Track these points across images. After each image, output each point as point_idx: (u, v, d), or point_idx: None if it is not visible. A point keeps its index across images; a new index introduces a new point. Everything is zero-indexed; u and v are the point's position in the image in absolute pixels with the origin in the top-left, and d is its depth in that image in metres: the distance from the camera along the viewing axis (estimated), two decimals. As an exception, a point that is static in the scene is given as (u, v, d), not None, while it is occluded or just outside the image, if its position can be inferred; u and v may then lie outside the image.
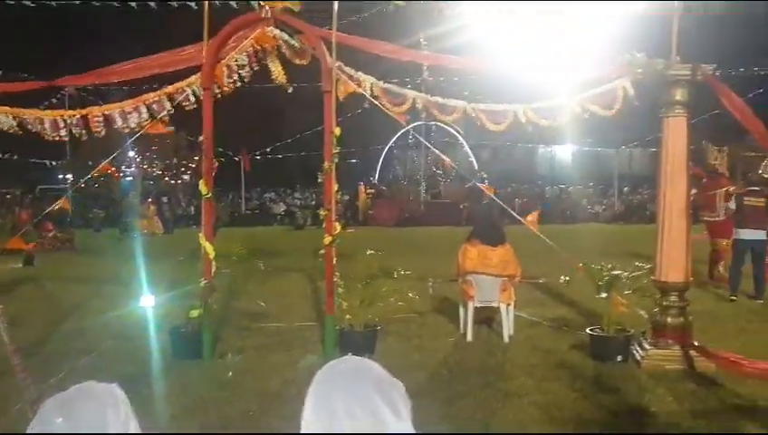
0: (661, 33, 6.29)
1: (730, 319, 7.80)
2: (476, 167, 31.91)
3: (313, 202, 30.08)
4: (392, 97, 6.60)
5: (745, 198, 9.15)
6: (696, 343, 5.79)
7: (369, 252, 6.91)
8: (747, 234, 8.94)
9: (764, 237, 9.00)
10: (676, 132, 5.95)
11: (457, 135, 31.48)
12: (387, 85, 6.63)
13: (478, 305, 6.95)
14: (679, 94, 5.87)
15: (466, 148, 32.74)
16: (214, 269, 6.47)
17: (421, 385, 5.27)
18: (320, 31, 6.41)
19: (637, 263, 6.45)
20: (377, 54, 6.67)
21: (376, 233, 21.10)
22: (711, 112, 17.58)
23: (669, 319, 5.88)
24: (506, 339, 6.76)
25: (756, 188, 9.22)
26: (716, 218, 10.53)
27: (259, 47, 6.68)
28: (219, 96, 6.70)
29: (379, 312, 7.32)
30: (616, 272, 6.29)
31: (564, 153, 40.52)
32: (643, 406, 4.76)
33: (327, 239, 6.20)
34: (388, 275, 8.93)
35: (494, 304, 6.96)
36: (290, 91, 7.14)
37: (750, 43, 27.92)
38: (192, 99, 6.69)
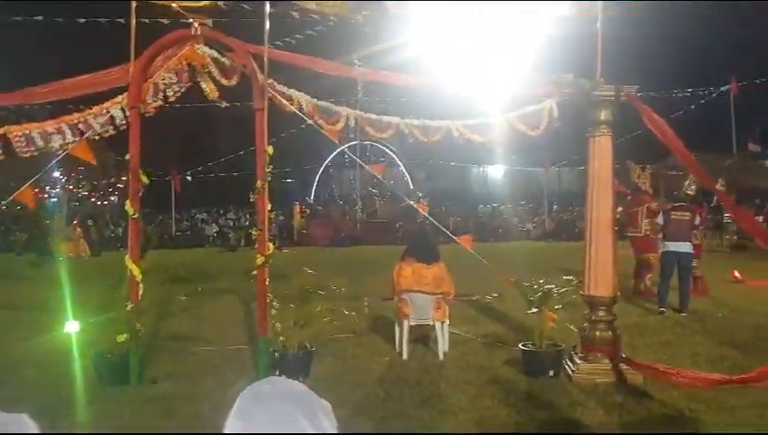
0: (586, 55, 6.51)
1: (656, 332, 8.05)
2: (412, 186, 32.24)
3: (247, 223, 29.66)
4: (326, 115, 6.58)
5: (672, 213, 9.56)
6: (624, 356, 5.94)
7: (306, 270, 6.83)
8: (674, 246, 9.38)
9: (690, 250, 9.48)
10: (601, 151, 6.14)
11: (393, 155, 31.77)
12: (320, 103, 6.60)
13: (413, 324, 6.96)
14: (604, 114, 6.07)
15: (402, 167, 33.05)
16: (141, 292, 6.27)
17: (357, 405, 5.23)
18: (250, 47, 6.34)
19: (565, 277, 6.59)
20: (311, 71, 6.63)
21: (311, 253, 20.98)
22: (634, 133, 18.38)
23: (598, 333, 6.02)
24: (441, 356, 6.78)
25: (682, 204, 9.68)
26: (638, 234, 10.99)
27: (188, 65, 6.57)
28: (148, 115, 6.54)
29: (314, 333, 7.24)
30: (547, 287, 6.41)
31: (496, 173, 41.47)
32: (574, 419, 4.84)
33: (259, 260, 6.09)
34: (322, 294, 8.88)
35: (429, 322, 6.98)
36: (223, 105, 7.01)
37: (671, 67, 29.30)
38: (119, 118, 6.51)
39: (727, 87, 26.02)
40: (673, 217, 9.53)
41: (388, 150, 31.28)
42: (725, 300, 10.49)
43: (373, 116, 6.80)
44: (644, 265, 11.07)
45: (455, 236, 7.52)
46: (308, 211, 29.81)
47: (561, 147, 26.02)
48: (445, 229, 8.30)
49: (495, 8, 7.60)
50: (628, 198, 11.53)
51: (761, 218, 29.57)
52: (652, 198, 11.60)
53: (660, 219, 9.91)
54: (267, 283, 6.15)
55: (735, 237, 22.94)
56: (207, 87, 6.66)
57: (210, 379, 6.15)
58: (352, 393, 5.55)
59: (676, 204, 9.80)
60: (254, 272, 6.16)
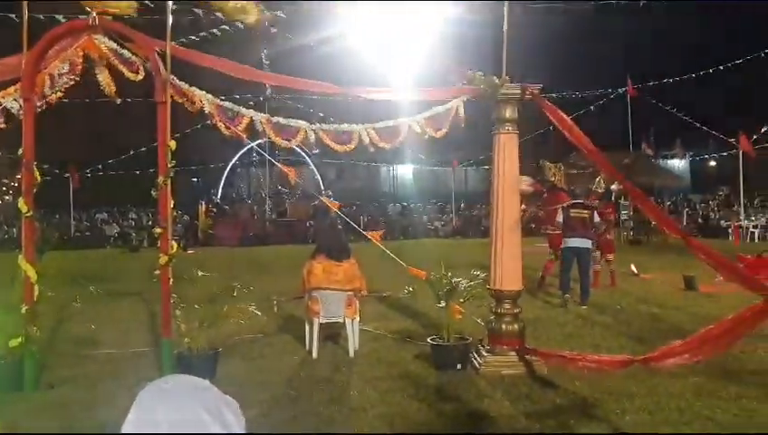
0: (492, 55, 6.65)
1: (559, 325, 8.33)
2: (322, 185, 32.09)
3: (150, 222, 28.61)
4: (228, 116, 6.35)
5: (572, 210, 9.90)
6: (529, 347, 6.11)
7: (200, 273, 6.62)
8: (574, 242, 9.73)
9: (590, 246, 9.86)
10: (507, 149, 6.28)
11: (303, 154, 31.48)
12: (223, 102, 6.39)
13: (324, 322, 6.90)
14: (509, 112, 6.21)
15: (312, 166, 32.83)
16: (36, 294, 5.91)
17: (266, 405, 5.13)
18: (153, 42, 6.08)
19: (473, 272, 6.71)
20: (215, 71, 6.41)
21: (218, 253, 20.50)
22: (537, 132, 19.03)
23: (504, 326, 6.16)
24: (351, 354, 6.75)
25: (581, 201, 10.03)
26: (557, 231, 11.35)
27: (84, 56, 6.23)
28: (45, 108, 6.18)
29: (221, 333, 7.05)
30: (455, 280, 6.50)
31: (406, 172, 41.95)
32: (482, 411, 4.92)
33: (162, 259, 5.86)
34: (230, 295, 8.66)
35: (340, 320, 6.94)
36: (118, 102, 6.68)
37: (572, 68, 30.50)
38: (14, 110, 6.09)
39: (624, 89, 27.31)
40: (572, 214, 9.86)
41: (298, 149, 31.02)
42: (623, 292, 11.03)
43: (281, 120, 6.63)
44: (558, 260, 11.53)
45: (365, 231, 7.51)
46: (214, 211, 29.09)
47: (468, 146, 26.66)
48: (356, 226, 8.29)
49: (402, 9, 7.67)
50: (545, 195, 11.89)
51: (653, 215, 31.23)
52: (568, 196, 12.02)
53: (560, 216, 10.24)
54: (171, 283, 5.93)
55: (632, 233, 24.15)
56: (104, 80, 6.34)
57: (110, 383, 5.87)
58: (260, 393, 5.43)
59: (575, 201, 10.10)
60: (157, 272, 5.93)
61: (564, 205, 11.54)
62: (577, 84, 27.26)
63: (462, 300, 6.60)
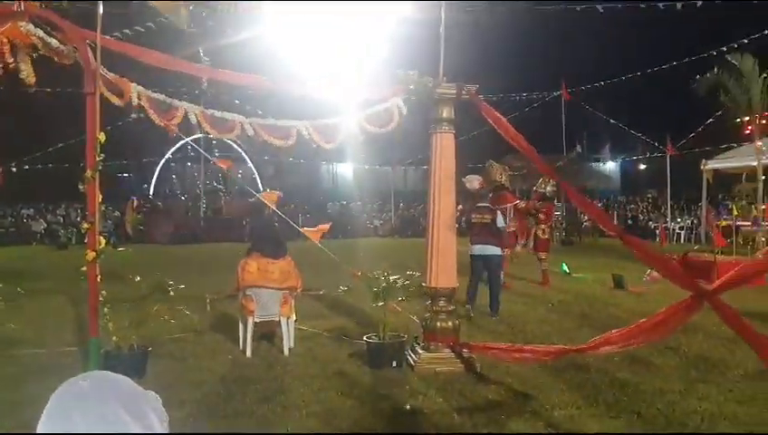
0: (430, 56, 6.67)
1: (492, 322, 8.49)
2: (260, 183, 31.67)
3: (78, 218, 27.63)
4: (161, 108, 6.18)
5: (473, 215, 9.12)
6: (464, 342, 6.18)
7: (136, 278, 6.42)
8: (478, 249, 8.99)
9: (497, 252, 9.10)
10: (443, 148, 6.34)
11: (240, 150, 31.00)
12: (155, 95, 6.20)
13: (258, 320, 6.80)
14: (446, 112, 6.27)
15: (250, 163, 32.37)
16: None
17: (196, 405, 5.02)
18: (83, 32, 5.86)
19: (408, 272, 6.73)
20: (147, 63, 6.22)
21: (150, 251, 20.00)
22: (473, 133, 19.27)
23: (439, 323, 6.21)
24: (286, 352, 6.67)
25: (483, 205, 9.27)
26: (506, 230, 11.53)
27: (9, 43, 5.95)
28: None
29: (152, 332, 6.89)
30: (391, 279, 6.52)
31: (346, 170, 41.88)
32: (415, 408, 4.94)
33: (90, 255, 5.66)
34: (161, 293, 8.45)
35: (275, 318, 6.85)
36: (32, 90, 6.36)
37: (509, 71, 31.06)
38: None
39: (558, 92, 27.95)
40: (473, 219, 9.07)
41: (235, 145, 30.49)
42: (554, 290, 11.30)
43: (217, 114, 6.49)
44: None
45: (303, 227, 7.43)
46: (147, 207, 28.33)
47: (407, 146, 26.78)
48: (293, 223, 8.21)
49: (340, 9, 7.62)
50: (490, 195, 12.04)
51: (586, 216, 32.20)
52: (513, 196, 12.25)
53: (463, 222, 10.14)
54: (99, 280, 5.73)
55: (564, 234, 24.78)
56: (26, 69, 6.06)
57: (34, 383, 5.60)
58: (192, 393, 5.31)
59: (479, 205, 9.28)
60: (84, 269, 5.72)
61: (513, 205, 11.79)
62: (513, 87, 27.75)
63: (399, 298, 6.63)
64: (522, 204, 12.08)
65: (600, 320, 8.58)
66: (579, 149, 29.61)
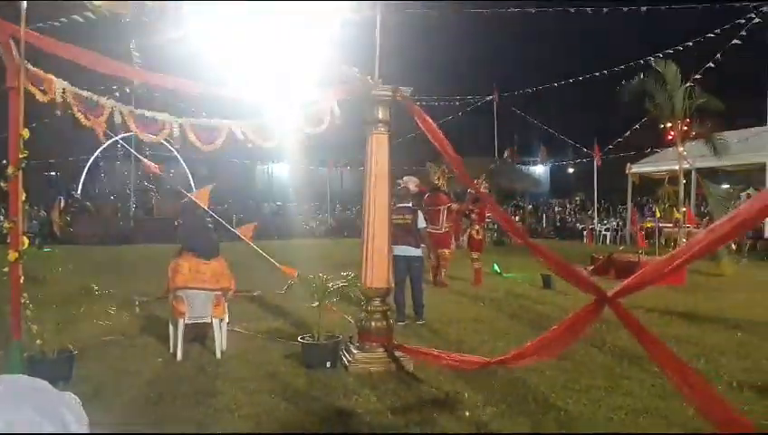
0: (366, 58, 6.71)
1: (426, 323, 8.56)
2: (192, 183, 31.01)
3: (1, 217, 26.46)
4: (88, 106, 5.98)
5: (393, 216, 8.41)
6: (397, 344, 6.23)
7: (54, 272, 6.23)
8: (401, 250, 8.60)
9: (418, 253, 8.95)
10: (379, 148, 6.38)
11: (172, 149, 30.26)
12: (82, 92, 6.00)
13: (189, 322, 6.68)
14: (382, 113, 6.31)
15: (182, 162, 31.64)
16: None
17: (125, 409, 4.90)
18: (6, 24, 5.61)
19: (343, 273, 6.75)
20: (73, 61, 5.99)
21: (78, 252, 19.34)
22: (409, 135, 19.44)
23: (374, 323, 6.25)
24: (219, 355, 6.58)
25: (403, 205, 9.04)
26: (439, 231, 11.68)
27: None
28: None
29: (79, 335, 6.69)
30: (327, 280, 6.52)
31: (281, 171, 41.52)
32: (349, 408, 4.96)
33: (12, 256, 5.44)
34: (88, 295, 8.20)
35: (207, 320, 6.74)
36: None
37: (445, 75, 31.47)
38: None
39: (491, 97, 28.51)
40: (394, 220, 8.39)
41: (167, 144, 29.77)
42: (486, 289, 11.54)
43: (147, 113, 6.32)
44: (440, 258, 11.88)
45: (236, 227, 7.35)
46: (75, 207, 27.35)
47: (343, 147, 26.78)
48: (225, 223, 8.10)
49: (277, 8, 7.57)
50: (426, 196, 12.16)
51: (517, 217, 33.00)
52: (449, 198, 12.42)
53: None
54: (22, 282, 5.52)
55: (496, 235, 25.27)
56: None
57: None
58: (120, 397, 5.18)
59: (399, 205, 8.95)
60: (6, 270, 5.50)
61: (448, 207, 11.98)
62: (448, 91, 28.16)
63: (334, 299, 6.64)
64: (455, 206, 12.31)
65: (529, 318, 8.83)
66: (510, 152, 30.24)
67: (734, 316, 8.92)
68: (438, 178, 12.22)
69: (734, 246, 17.91)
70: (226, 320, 6.95)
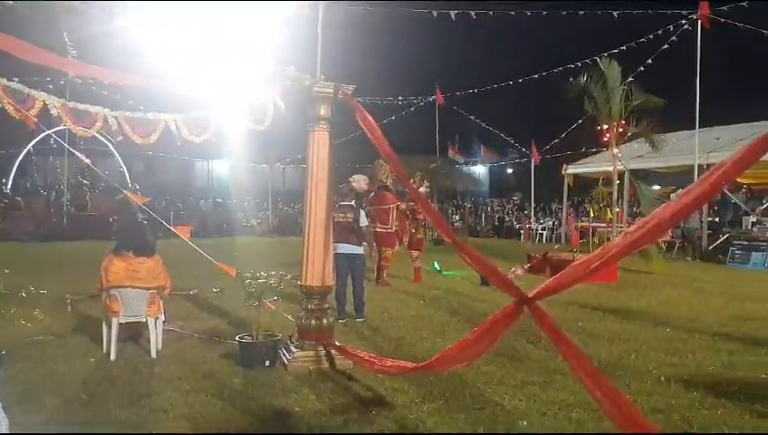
0: (309, 55, 6.67)
1: (366, 321, 8.59)
2: (129, 179, 30.19)
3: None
4: (17, 98, 5.75)
5: (335, 215, 8.35)
6: (337, 344, 6.22)
7: None
8: (342, 248, 8.66)
9: (360, 251, 8.98)
10: (320, 146, 6.35)
11: (107, 143, 29.40)
12: (11, 84, 5.77)
13: (123, 321, 6.52)
14: (323, 110, 6.27)
15: (118, 158, 30.76)
16: None
17: (55, 410, 4.75)
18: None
19: (282, 272, 6.71)
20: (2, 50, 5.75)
21: (9, 249, 18.63)
22: (353, 134, 19.43)
23: (313, 322, 6.23)
24: (154, 355, 6.43)
25: (345, 204, 9.01)
26: (388, 230, 11.68)
27: None
28: None
29: (8, 335, 6.47)
30: (266, 279, 6.46)
31: (221, 167, 40.88)
32: (287, 407, 4.93)
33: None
34: (17, 293, 7.91)
35: (142, 319, 6.60)
36: None
37: (388, 74, 31.58)
38: None
39: (433, 97, 28.76)
40: (336, 218, 8.41)
41: (102, 138, 28.87)
42: (426, 287, 11.66)
43: (80, 106, 6.12)
44: (383, 258, 11.90)
45: (173, 226, 7.20)
46: (5, 203, 26.27)
47: (285, 144, 26.58)
48: (162, 220, 7.91)
49: (218, 3, 7.45)
50: (372, 194, 12.14)
51: (458, 216, 33.41)
52: (396, 197, 12.42)
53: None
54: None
55: (437, 234, 25.53)
56: None
57: None
58: (50, 398, 5.01)
59: (341, 203, 8.91)
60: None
61: (397, 206, 12.01)
62: (391, 91, 28.28)
63: (273, 298, 6.59)
64: (402, 205, 12.35)
65: (467, 315, 8.96)
66: (452, 152, 30.62)
67: (664, 313, 9.26)
68: (385, 177, 12.24)
69: (664, 246, 18.66)
70: (162, 319, 6.82)
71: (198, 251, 6.81)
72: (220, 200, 34.75)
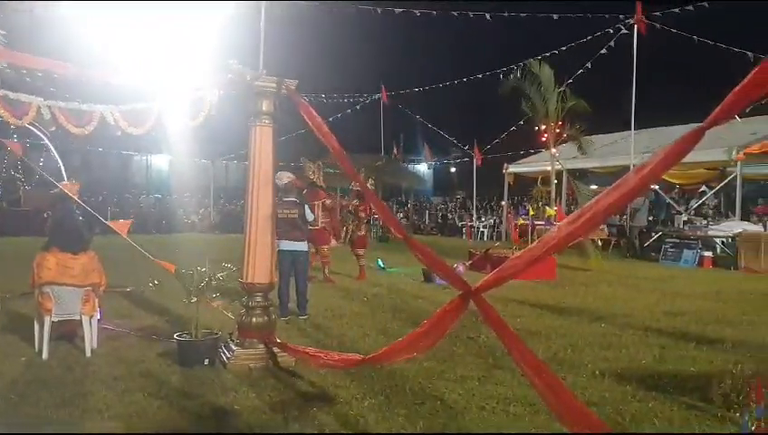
0: (251, 49, 6.59)
1: (311, 317, 8.56)
2: (64, 173, 29.22)
3: None
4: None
5: (279, 211, 8.22)
6: (278, 341, 6.18)
7: None
8: (286, 245, 8.63)
9: (304, 248, 8.96)
10: (262, 141, 6.27)
11: (42, 136, 28.36)
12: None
13: (56, 319, 6.32)
14: (266, 105, 6.20)
15: (53, 152, 29.71)
16: None
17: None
18: None
19: (224, 265, 6.62)
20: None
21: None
22: (296, 132, 19.34)
23: (254, 319, 6.16)
24: (88, 353, 6.25)
25: (289, 199, 8.96)
26: (316, 227, 11.62)
27: None
28: None
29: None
30: (206, 275, 6.35)
31: (161, 163, 39.98)
32: (227, 405, 4.87)
33: None
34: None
35: (76, 317, 6.41)
36: None
37: (333, 72, 31.49)
38: None
39: (378, 95, 28.82)
40: (279, 215, 8.27)
41: (36, 131, 27.86)
42: (370, 284, 11.70)
43: (11, 95, 5.89)
44: (323, 255, 11.84)
45: (110, 221, 7.01)
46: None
47: (229, 139, 26.20)
48: (98, 216, 7.69)
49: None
50: (304, 192, 12.06)
51: (401, 214, 33.61)
52: (327, 194, 12.38)
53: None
54: None
55: (381, 231, 25.66)
56: None
57: None
58: (-24, 401, 4.83)
59: (285, 199, 8.87)
60: None
61: (322, 201, 11.97)
62: (336, 89, 28.21)
63: (214, 295, 6.49)
64: (329, 202, 12.26)
65: (410, 311, 9.03)
66: (396, 150, 30.80)
67: (599, 309, 9.53)
68: (313, 174, 12.22)
69: (599, 243, 19.20)
70: (97, 317, 6.65)
71: (136, 247, 6.66)
72: (160, 196, 33.99)
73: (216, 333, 6.31)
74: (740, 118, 14.99)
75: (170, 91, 6.76)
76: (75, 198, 7.29)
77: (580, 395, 5.21)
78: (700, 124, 2.60)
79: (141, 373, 5.68)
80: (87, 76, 6.51)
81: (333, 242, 12.50)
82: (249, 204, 6.33)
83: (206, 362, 5.96)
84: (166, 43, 7.89)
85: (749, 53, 15.54)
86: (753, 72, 2.44)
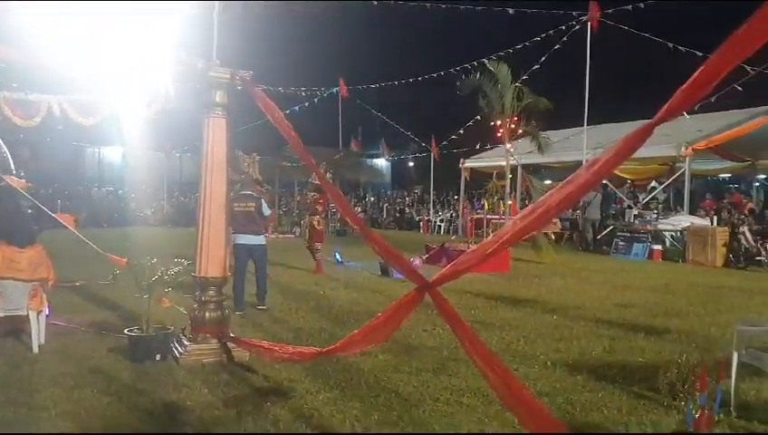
0: (205, 39, 6.48)
1: (263, 311, 8.50)
2: (12, 165, 28.35)
3: None
4: None
5: (235, 204, 8.39)
6: (232, 335, 6.11)
7: None
8: (242, 239, 8.65)
9: (261, 242, 8.92)
10: (216, 133, 6.18)
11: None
12: None
13: (2, 315, 6.16)
14: (219, 96, 6.11)
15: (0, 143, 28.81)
16: None
17: None
18: None
19: (177, 259, 6.52)
20: None
21: None
22: (251, 124, 19.12)
23: (208, 314, 6.08)
24: (36, 350, 6.10)
25: (246, 193, 8.97)
26: None
27: None
28: None
29: None
30: (159, 269, 6.24)
31: (113, 155, 39.14)
32: (178, 401, 4.79)
33: None
34: None
35: (23, 313, 6.24)
36: None
37: (290, 64, 31.24)
38: None
39: (337, 89, 28.69)
40: (236, 208, 8.36)
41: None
42: (327, 278, 11.67)
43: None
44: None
45: (57, 215, 6.84)
46: None
47: (183, 131, 25.75)
48: (45, 209, 7.50)
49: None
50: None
51: (360, 208, 33.60)
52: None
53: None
54: None
55: (339, 224, 25.64)
56: None
57: None
58: None
59: (242, 193, 8.91)
60: None
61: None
62: (295, 82, 27.96)
63: (166, 289, 6.38)
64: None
65: (367, 304, 9.06)
66: (354, 144, 30.77)
67: (552, 301, 9.70)
68: (249, 167, 12.13)
69: (553, 236, 19.52)
70: (45, 312, 6.48)
71: (84, 241, 6.51)
72: (112, 189, 33.29)
73: (169, 328, 6.21)
74: (688, 115, 15.35)
75: (121, 81, 6.61)
76: (22, 190, 7.10)
77: (532, 386, 5.29)
78: (649, 121, 2.65)
79: (91, 370, 5.56)
80: (34, 63, 6.32)
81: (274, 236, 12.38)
82: (202, 197, 6.24)
83: (158, 357, 5.87)
84: (117, 32, 7.72)
85: (698, 52, 15.92)
86: (699, 71, 2.50)
